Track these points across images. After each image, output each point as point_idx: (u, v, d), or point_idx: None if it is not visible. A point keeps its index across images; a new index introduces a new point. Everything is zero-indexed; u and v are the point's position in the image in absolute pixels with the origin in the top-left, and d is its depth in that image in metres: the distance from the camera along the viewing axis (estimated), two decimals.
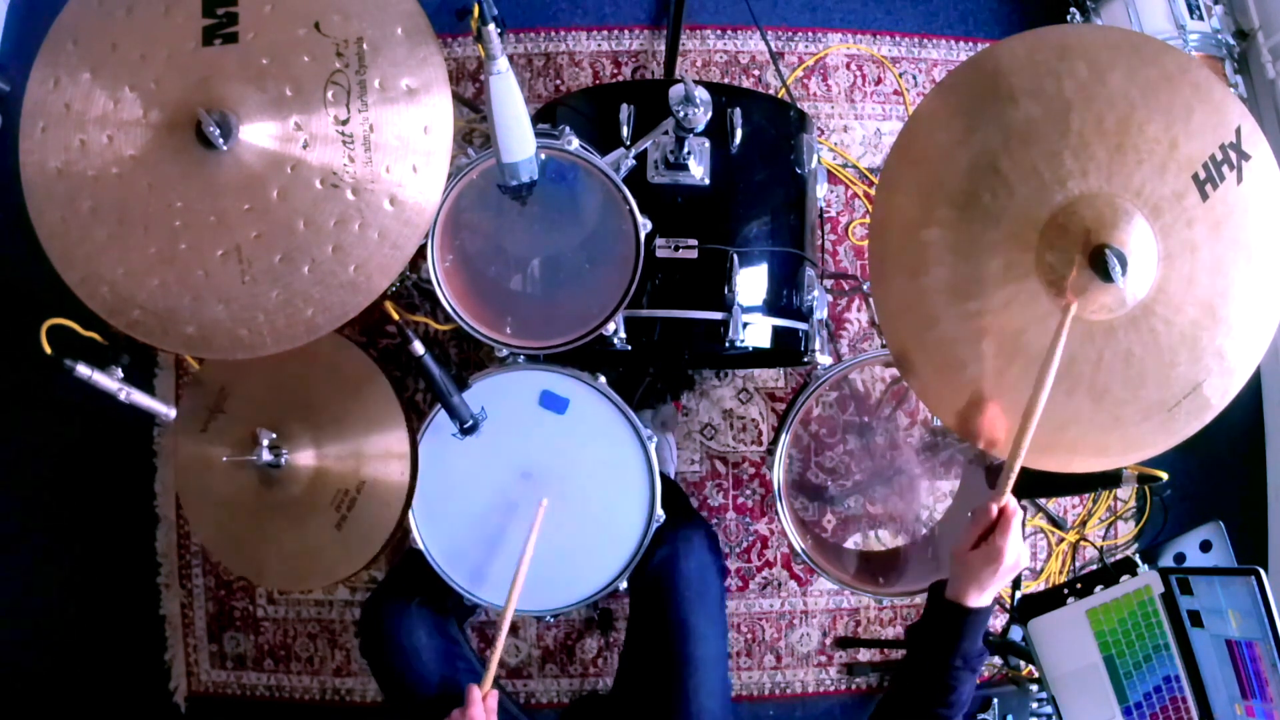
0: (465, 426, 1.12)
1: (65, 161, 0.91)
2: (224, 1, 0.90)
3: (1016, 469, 0.91)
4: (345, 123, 0.90)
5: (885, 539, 1.70)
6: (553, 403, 1.22)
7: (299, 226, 0.90)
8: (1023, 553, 0.93)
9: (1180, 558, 1.36)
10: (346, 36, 0.90)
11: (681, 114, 1.11)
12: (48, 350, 0.96)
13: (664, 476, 1.25)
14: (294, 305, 0.92)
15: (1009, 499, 0.92)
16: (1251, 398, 1.91)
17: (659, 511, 1.21)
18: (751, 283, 1.26)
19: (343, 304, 0.92)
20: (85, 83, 0.91)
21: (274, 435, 1.09)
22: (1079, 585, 1.27)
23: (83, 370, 0.97)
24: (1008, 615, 1.61)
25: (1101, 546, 1.84)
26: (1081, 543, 1.85)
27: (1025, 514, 1.53)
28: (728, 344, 1.21)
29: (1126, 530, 1.86)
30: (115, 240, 0.91)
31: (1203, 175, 0.89)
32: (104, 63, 0.91)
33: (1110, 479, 1.18)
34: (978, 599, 0.93)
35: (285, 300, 0.92)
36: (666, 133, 1.17)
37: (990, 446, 0.98)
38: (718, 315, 1.22)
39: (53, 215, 0.92)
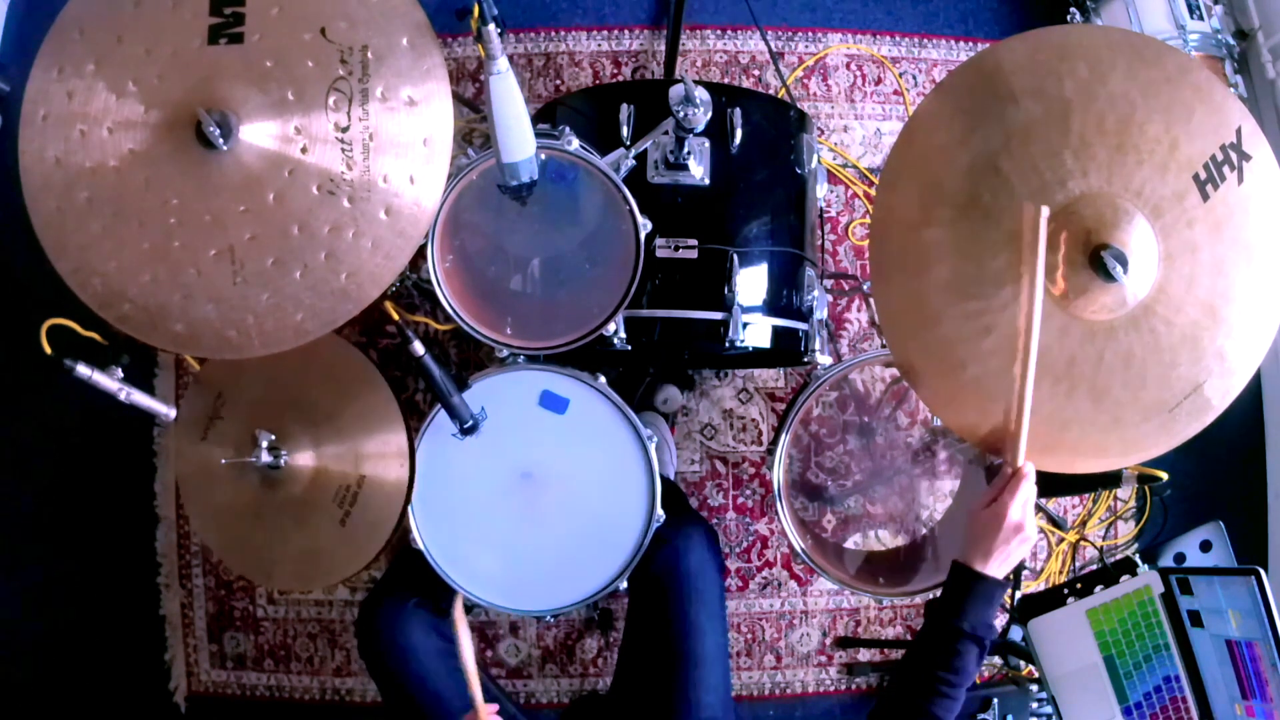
0: (465, 427, 1.11)
1: (64, 151, 0.90)
2: (232, 1, 0.89)
3: (1024, 433, 0.93)
4: (345, 129, 0.90)
5: (885, 539, 1.69)
6: (553, 403, 1.22)
7: (293, 231, 0.90)
8: (1028, 518, 0.95)
9: (1180, 558, 1.35)
10: (352, 44, 0.90)
11: (681, 114, 1.11)
12: (48, 350, 0.96)
13: (663, 478, 1.25)
14: (284, 309, 0.92)
15: (1023, 462, 0.95)
16: (1251, 398, 1.91)
17: (659, 511, 1.21)
18: (751, 283, 1.26)
19: (332, 310, 0.92)
20: (89, 74, 0.90)
21: (273, 436, 1.09)
22: (1079, 585, 1.27)
23: (83, 370, 0.97)
24: (1008, 615, 1.61)
25: (1101, 546, 1.83)
26: (1081, 543, 1.85)
27: None
28: (728, 344, 1.21)
29: (1126, 530, 1.86)
30: (109, 233, 0.91)
31: (1203, 175, 0.89)
32: (109, 55, 0.90)
33: (1110, 479, 1.18)
34: (984, 564, 0.95)
35: (275, 304, 0.91)
36: (666, 133, 1.17)
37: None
38: (718, 315, 1.22)
39: (48, 204, 0.91)
